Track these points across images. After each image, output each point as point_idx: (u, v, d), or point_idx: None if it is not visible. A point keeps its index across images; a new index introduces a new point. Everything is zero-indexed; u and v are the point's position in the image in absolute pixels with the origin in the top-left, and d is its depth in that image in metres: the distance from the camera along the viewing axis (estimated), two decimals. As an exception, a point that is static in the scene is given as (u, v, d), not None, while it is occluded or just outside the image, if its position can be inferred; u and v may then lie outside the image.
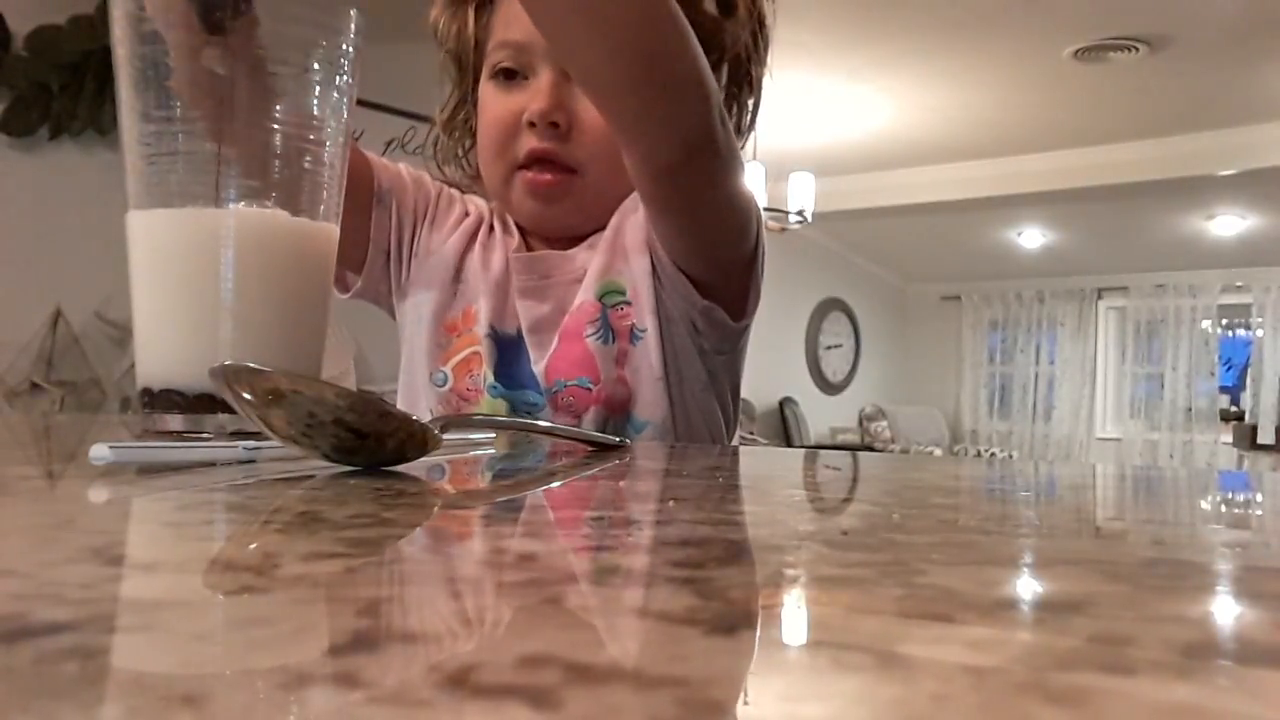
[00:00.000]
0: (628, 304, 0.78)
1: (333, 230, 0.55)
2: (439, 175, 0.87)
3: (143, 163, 0.51)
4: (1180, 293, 7.33)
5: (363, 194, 0.81)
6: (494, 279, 0.82)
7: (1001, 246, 7.20)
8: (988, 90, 4.58)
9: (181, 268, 0.51)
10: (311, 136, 0.53)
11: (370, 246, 0.82)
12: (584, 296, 0.78)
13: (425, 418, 0.82)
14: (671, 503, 0.35)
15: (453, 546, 0.25)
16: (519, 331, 0.80)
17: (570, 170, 0.77)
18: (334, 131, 0.53)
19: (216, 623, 0.16)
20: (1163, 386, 7.36)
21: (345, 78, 0.54)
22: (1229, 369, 7.45)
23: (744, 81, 0.83)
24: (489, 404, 0.79)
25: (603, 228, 0.82)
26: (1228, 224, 6.29)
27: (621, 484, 0.43)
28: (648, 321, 0.77)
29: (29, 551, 0.22)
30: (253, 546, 0.23)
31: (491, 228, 0.85)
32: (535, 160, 0.77)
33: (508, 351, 0.80)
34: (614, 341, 0.78)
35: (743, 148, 0.82)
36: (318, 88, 0.53)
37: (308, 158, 0.53)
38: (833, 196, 5.56)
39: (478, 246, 0.84)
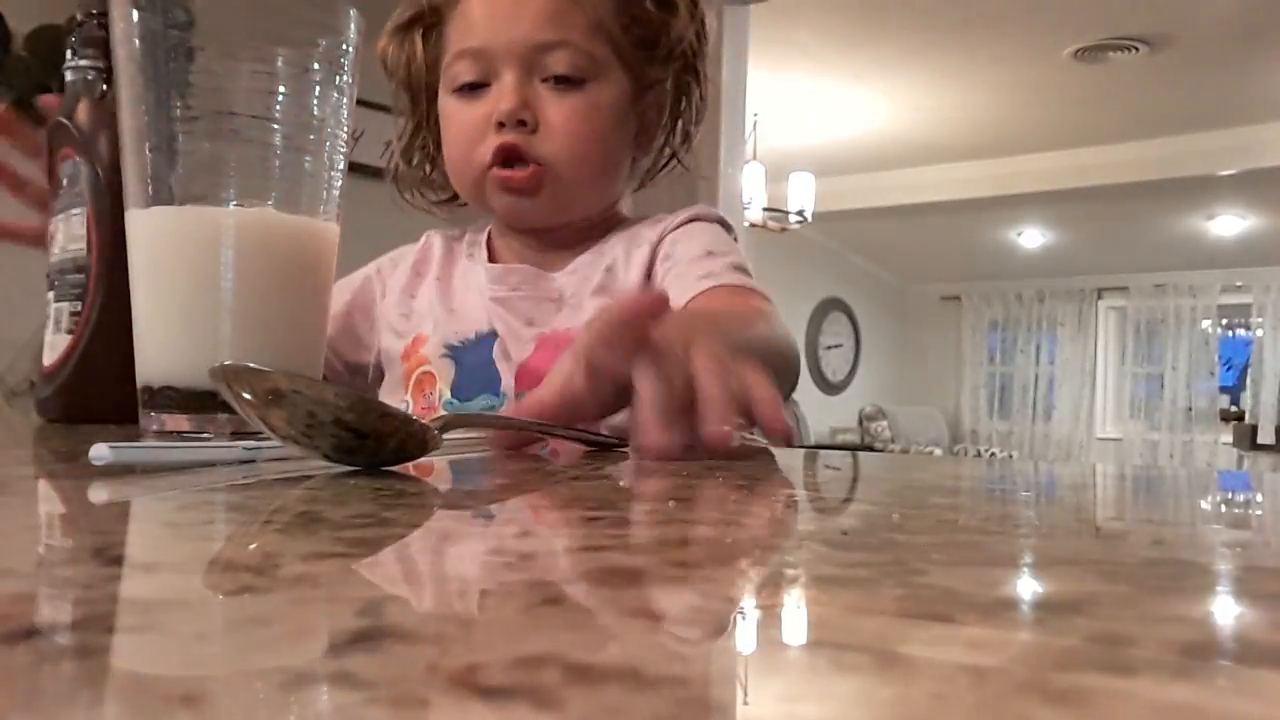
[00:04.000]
0: None
1: (333, 230, 0.55)
2: (405, 202, 0.90)
3: (143, 162, 0.51)
4: (1180, 293, 7.33)
5: (360, 355, 0.88)
6: (446, 298, 0.85)
7: (1001, 246, 7.20)
8: (988, 90, 4.58)
9: (181, 267, 0.51)
10: (311, 136, 0.53)
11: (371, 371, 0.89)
12: (571, 324, 0.80)
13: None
14: (671, 503, 0.35)
15: (452, 546, 0.25)
16: (478, 336, 0.82)
17: (539, 164, 0.78)
18: (334, 131, 0.53)
19: (216, 623, 0.16)
20: (1163, 386, 7.35)
21: (345, 78, 0.54)
22: (1229, 369, 7.44)
23: (692, 76, 0.86)
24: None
25: (579, 229, 0.84)
26: (1228, 224, 6.29)
27: (622, 484, 0.43)
28: None
29: (29, 551, 0.22)
30: (253, 546, 0.23)
31: (452, 256, 0.88)
32: (505, 156, 0.78)
33: (464, 361, 0.81)
34: None
35: (697, 138, 0.88)
36: (318, 88, 0.53)
37: (308, 158, 0.53)
38: (833, 196, 5.56)
39: (428, 279, 0.87)
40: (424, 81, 0.84)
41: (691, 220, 0.83)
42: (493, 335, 0.81)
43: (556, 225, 0.84)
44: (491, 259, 0.87)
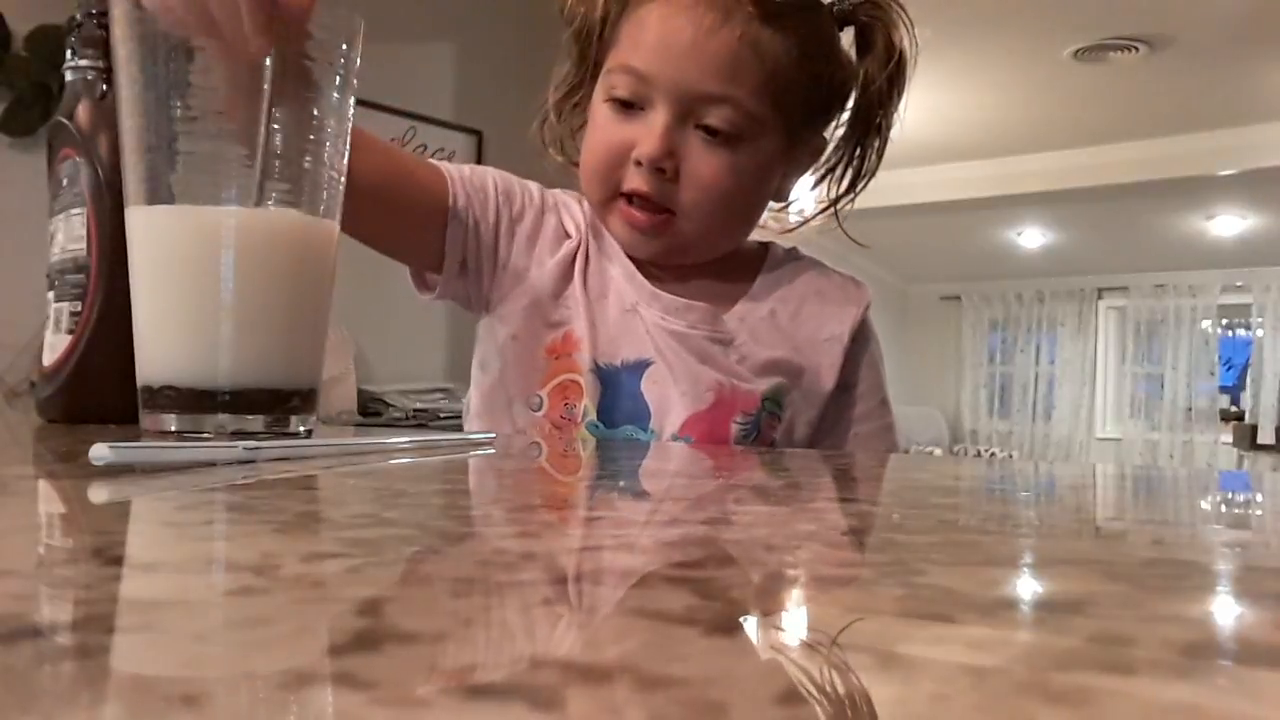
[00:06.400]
0: (779, 419, 0.79)
1: (333, 229, 0.55)
2: (553, 157, 0.84)
3: (143, 162, 0.51)
4: (1180, 293, 7.33)
5: (435, 207, 0.77)
6: (597, 307, 0.79)
7: (1001, 246, 7.20)
8: (988, 90, 4.57)
9: (182, 266, 0.51)
10: (312, 136, 0.53)
11: (446, 258, 0.78)
12: (751, 386, 0.77)
13: (511, 435, 0.79)
14: (671, 503, 0.35)
15: (452, 546, 0.25)
16: (624, 362, 0.77)
17: (668, 211, 0.76)
18: (334, 131, 0.53)
19: (216, 623, 0.16)
20: (1163, 386, 7.35)
21: (345, 78, 0.54)
22: (1229, 369, 7.44)
23: (872, 126, 0.82)
24: (585, 440, 0.75)
25: (706, 264, 0.82)
26: (1228, 224, 6.28)
27: (622, 484, 0.43)
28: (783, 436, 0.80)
29: (29, 551, 0.22)
30: (253, 546, 0.23)
31: (588, 253, 0.81)
32: (636, 196, 0.75)
33: (610, 386, 0.77)
34: (754, 440, 0.77)
35: (861, 190, 0.86)
36: (318, 88, 0.53)
37: (308, 157, 0.53)
38: (833, 196, 5.55)
39: (576, 270, 0.80)
40: (594, 44, 0.79)
41: (870, 332, 0.86)
42: (645, 363, 0.77)
43: (670, 264, 0.81)
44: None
